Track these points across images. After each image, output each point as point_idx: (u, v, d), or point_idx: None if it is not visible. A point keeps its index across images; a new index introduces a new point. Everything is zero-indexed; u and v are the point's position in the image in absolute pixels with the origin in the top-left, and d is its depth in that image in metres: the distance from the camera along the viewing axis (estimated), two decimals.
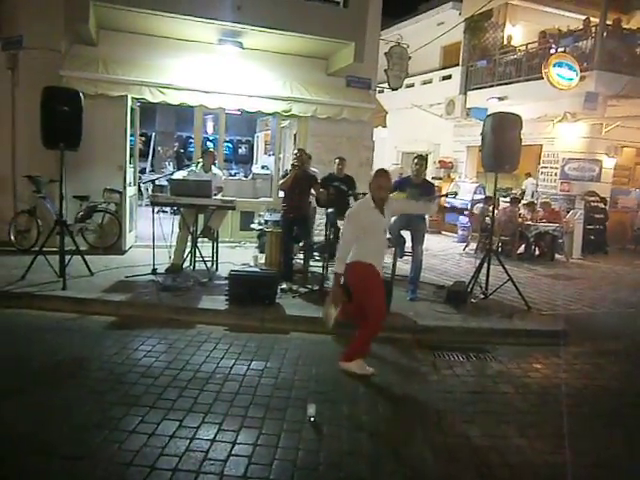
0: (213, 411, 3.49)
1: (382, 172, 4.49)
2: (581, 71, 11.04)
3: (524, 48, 13.24)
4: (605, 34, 11.31)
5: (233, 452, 3.03)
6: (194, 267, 6.82)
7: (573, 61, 11.05)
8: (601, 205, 12.10)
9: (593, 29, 11.65)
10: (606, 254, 11.74)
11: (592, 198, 12.06)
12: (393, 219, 6.60)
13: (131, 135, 8.20)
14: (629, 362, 5.26)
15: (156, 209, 6.48)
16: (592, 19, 12.04)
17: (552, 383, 4.44)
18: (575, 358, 5.10)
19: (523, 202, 11.43)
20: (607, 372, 4.88)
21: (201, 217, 6.88)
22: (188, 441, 3.10)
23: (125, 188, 7.87)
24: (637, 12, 14.34)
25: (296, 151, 6.66)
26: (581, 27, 12.35)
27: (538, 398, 4.13)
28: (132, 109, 8.05)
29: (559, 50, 11.69)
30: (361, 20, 7.88)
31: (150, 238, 6.50)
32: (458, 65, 14.98)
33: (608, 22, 11.51)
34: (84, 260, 6.29)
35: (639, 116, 11.96)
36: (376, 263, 4.29)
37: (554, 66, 10.94)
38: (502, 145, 6.07)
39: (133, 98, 7.87)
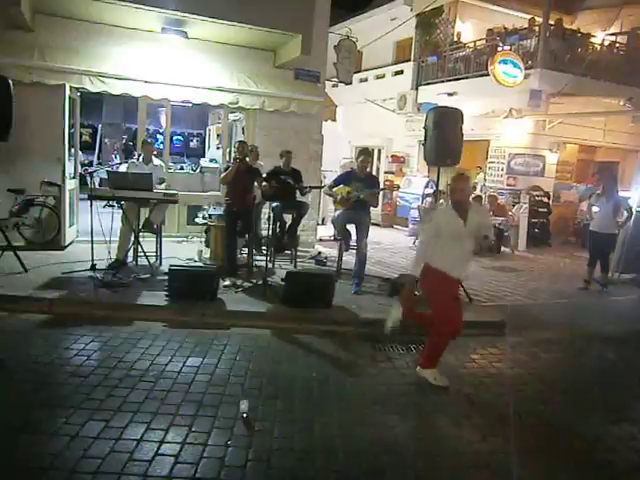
0: (143, 410, 3.40)
1: (458, 175, 4.27)
2: (526, 69, 11.34)
3: (473, 45, 13.49)
4: (548, 34, 11.65)
5: (159, 451, 2.95)
6: (137, 262, 6.65)
7: (518, 59, 11.33)
8: (545, 199, 12.50)
9: (537, 28, 11.99)
10: (550, 247, 12.14)
11: (536, 192, 12.44)
12: (337, 213, 6.64)
13: (71, 126, 7.89)
14: (563, 351, 5.45)
15: (102, 203, 6.26)
16: (536, 19, 12.39)
17: (487, 373, 4.55)
18: (511, 348, 5.24)
19: (471, 196, 11.66)
20: (541, 361, 5.04)
21: (145, 210, 6.70)
22: (113, 442, 3.00)
23: (64, 181, 7.57)
24: (579, 13, 14.86)
25: (236, 144, 6.56)
26: (526, 26, 12.69)
27: (472, 388, 4.22)
28: (71, 99, 7.74)
29: (505, 48, 11.95)
30: (308, 12, 7.81)
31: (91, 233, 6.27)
32: (410, 60, 15.14)
33: (551, 22, 11.86)
34: (17, 256, 6.02)
35: (580, 113, 12.39)
36: (449, 270, 4.11)
37: (500, 63, 11.19)
38: (444, 139, 6.16)
39: (72, 87, 7.55)
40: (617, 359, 5.29)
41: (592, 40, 12.72)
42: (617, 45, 12.92)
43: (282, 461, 2.97)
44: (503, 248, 11.01)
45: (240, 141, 6.98)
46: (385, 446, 3.21)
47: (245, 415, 3.36)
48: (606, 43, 12.77)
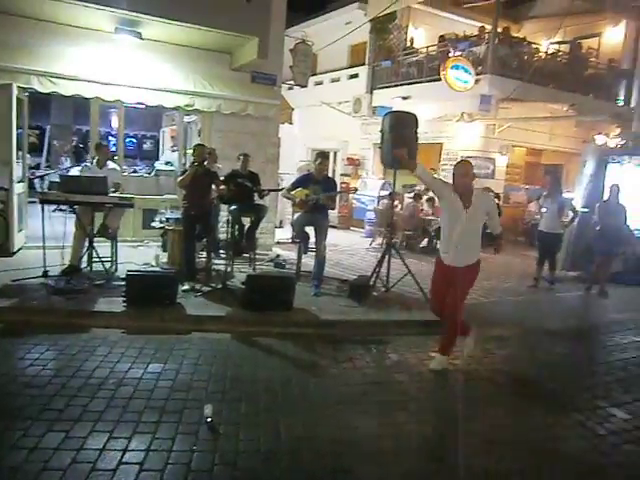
0: (104, 419, 3.33)
1: (461, 161, 4.62)
2: (476, 74, 11.73)
3: (425, 50, 13.84)
4: (497, 41, 12.09)
5: (123, 460, 2.91)
6: (91, 268, 6.47)
7: (469, 64, 11.71)
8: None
9: (486, 36, 12.42)
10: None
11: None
12: (296, 215, 6.69)
13: (19, 127, 7.61)
14: (515, 346, 5.69)
15: (52, 207, 6.07)
16: (486, 26, 12.84)
17: (445, 370, 4.69)
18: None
19: (425, 197, 11.97)
20: (495, 357, 5.23)
21: (100, 215, 6.54)
22: (74, 452, 2.93)
23: (12, 185, 7.29)
24: (525, 22, 15.49)
25: (194, 147, 6.50)
26: (476, 33, 13.13)
27: (432, 385, 4.35)
28: (19, 99, 7.47)
29: (456, 54, 12.33)
30: (264, 15, 7.83)
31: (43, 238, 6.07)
32: (365, 64, 15.37)
33: (499, 30, 12.31)
34: None
35: (527, 118, 12.92)
36: (442, 254, 4.54)
37: (451, 68, 11.53)
38: (399, 142, 6.27)
39: (19, 87, 7.29)
40: (565, 353, 5.57)
41: (538, 48, 13.29)
42: (560, 53, 13.55)
43: (248, 463, 2.99)
44: None
45: (198, 144, 6.91)
46: (349, 446, 3.27)
47: (210, 419, 3.35)
48: (550, 51, 13.36)
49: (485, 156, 13.12)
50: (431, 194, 13.22)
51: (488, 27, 12.64)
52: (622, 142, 10.54)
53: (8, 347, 4.41)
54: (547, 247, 8.25)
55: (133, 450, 3.01)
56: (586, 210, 9.30)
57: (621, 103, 13.90)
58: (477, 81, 11.73)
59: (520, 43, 12.92)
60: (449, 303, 4.48)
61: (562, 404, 4.16)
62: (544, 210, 8.32)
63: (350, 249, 10.64)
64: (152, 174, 11.19)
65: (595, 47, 14.71)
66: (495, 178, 13.33)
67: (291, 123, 9.40)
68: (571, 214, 8.29)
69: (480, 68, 11.99)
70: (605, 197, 8.55)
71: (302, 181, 6.65)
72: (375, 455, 3.20)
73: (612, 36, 14.49)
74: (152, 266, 6.87)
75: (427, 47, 13.91)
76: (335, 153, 16.31)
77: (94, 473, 2.77)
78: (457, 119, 12.93)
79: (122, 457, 2.93)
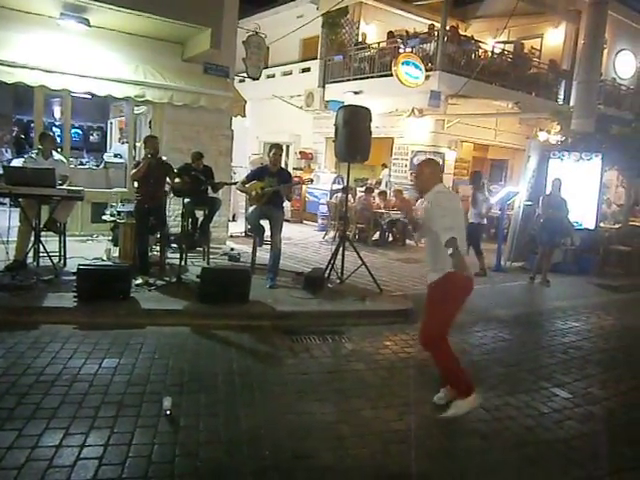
0: (59, 415, 3.26)
1: (424, 160, 4.32)
2: (426, 71, 12.01)
3: (377, 46, 14.03)
4: (446, 39, 12.41)
5: (81, 455, 2.87)
6: (38, 263, 6.25)
7: (419, 61, 11.97)
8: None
9: (436, 33, 12.73)
10: None
11: None
12: (251, 208, 6.69)
13: None
14: (464, 334, 5.90)
15: None
16: (435, 24, 13.15)
17: (399, 357, 4.84)
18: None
19: (377, 191, 12.18)
20: None
21: (45, 209, 6.32)
22: (29, 451, 2.87)
23: None
24: (472, 21, 15.96)
25: (145, 139, 6.38)
26: (426, 30, 13.43)
27: (387, 372, 4.48)
28: None
29: (407, 50, 12.57)
30: (217, 5, 7.74)
31: None
32: (317, 58, 15.42)
33: (447, 28, 12.64)
34: None
35: (474, 114, 13.36)
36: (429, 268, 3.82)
37: (402, 64, 11.77)
38: (353, 136, 6.40)
39: None
40: (511, 339, 5.84)
41: (484, 47, 13.73)
42: (505, 52, 14.05)
43: (210, 453, 3.01)
44: (408, 241, 11.59)
45: (150, 136, 6.78)
46: (309, 432, 3.35)
47: (169, 412, 3.35)
48: (496, 50, 13.83)
49: (435, 150, 13.47)
50: (382, 188, 13.52)
51: (437, 25, 12.95)
52: (562, 139, 11.07)
53: None
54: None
55: (91, 445, 2.98)
56: (530, 203, 9.74)
57: (561, 102, 14.58)
58: (427, 77, 12.03)
59: (468, 41, 13.31)
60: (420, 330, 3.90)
61: (509, 387, 4.37)
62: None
63: (303, 242, 10.71)
64: (101, 166, 10.86)
65: (538, 47, 15.36)
66: (444, 172, 13.69)
67: (244, 116, 9.30)
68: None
69: (430, 64, 12.29)
70: (548, 191, 8.97)
71: (257, 174, 6.65)
72: (334, 440, 3.28)
73: (553, 37, 15.17)
74: (103, 260, 6.70)
75: (378, 43, 14.10)
76: (287, 147, 16.31)
77: (51, 470, 2.73)
78: (408, 114, 13.20)
79: (80, 453, 2.90)
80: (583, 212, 9.41)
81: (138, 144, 9.50)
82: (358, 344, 5.09)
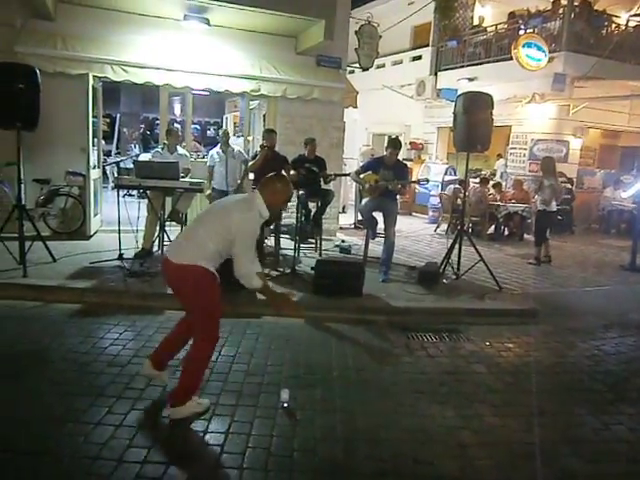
0: None
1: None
2: (549, 52, 11.11)
3: (493, 29, 13.25)
4: (573, 15, 11.38)
5: (205, 441, 2.95)
6: (162, 252, 6.63)
7: (542, 42, 11.10)
8: (568, 185, 12.27)
9: (561, 10, 11.71)
10: (573, 234, 11.96)
11: (560, 179, 12.20)
12: (364, 201, 6.58)
13: (94, 116, 7.86)
14: (598, 339, 5.35)
15: (122, 193, 6.24)
16: (561, 0, 12.10)
17: (524, 362, 4.48)
18: (545, 336, 5.16)
19: (491, 183, 11.54)
20: (577, 349, 4.95)
21: (168, 200, 6.68)
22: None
23: (88, 171, 7.57)
24: None
25: (264, 132, 6.50)
26: (550, 8, 12.41)
27: (511, 377, 4.16)
28: (94, 88, 7.71)
29: (528, 31, 11.72)
30: None
31: (116, 222, 6.27)
32: (428, 46, 14.91)
33: (576, 3, 11.58)
34: (45, 246, 6.04)
35: (604, 97, 12.12)
36: None
37: (523, 47, 10.97)
38: (474, 125, 6.04)
39: (95, 77, 7.52)
40: None
41: (617, 21, 12.42)
42: None
43: (328, 451, 2.94)
44: (526, 236, 10.85)
45: (269, 129, 6.91)
46: (429, 436, 3.17)
47: (286, 404, 3.34)
48: (632, 24, 12.45)
49: (558, 139, 12.46)
50: (497, 179, 12.78)
51: (564, 1, 11.91)
52: None
53: (88, 327, 4.56)
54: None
55: (214, 432, 3.03)
56: None
57: None
58: (551, 59, 11.11)
59: (599, 16, 12.10)
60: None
61: None
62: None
63: (414, 235, 10.42)
64: None
65: None
66: (568, 162, 12.64)
67: (356, 107, 9.20)
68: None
69: (554, 45, 11.35)
70: None
71: (372, 165, 6.52)
72: (456, 447, 3.07)
73: None
74: None
75: (495, 25, 13.30)
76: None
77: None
78: (528, 100, 12.31)
79: (203, 439, 2.97)
80: None
81: (250, 138, 9.79)
82: (477, 345, 4.79)
